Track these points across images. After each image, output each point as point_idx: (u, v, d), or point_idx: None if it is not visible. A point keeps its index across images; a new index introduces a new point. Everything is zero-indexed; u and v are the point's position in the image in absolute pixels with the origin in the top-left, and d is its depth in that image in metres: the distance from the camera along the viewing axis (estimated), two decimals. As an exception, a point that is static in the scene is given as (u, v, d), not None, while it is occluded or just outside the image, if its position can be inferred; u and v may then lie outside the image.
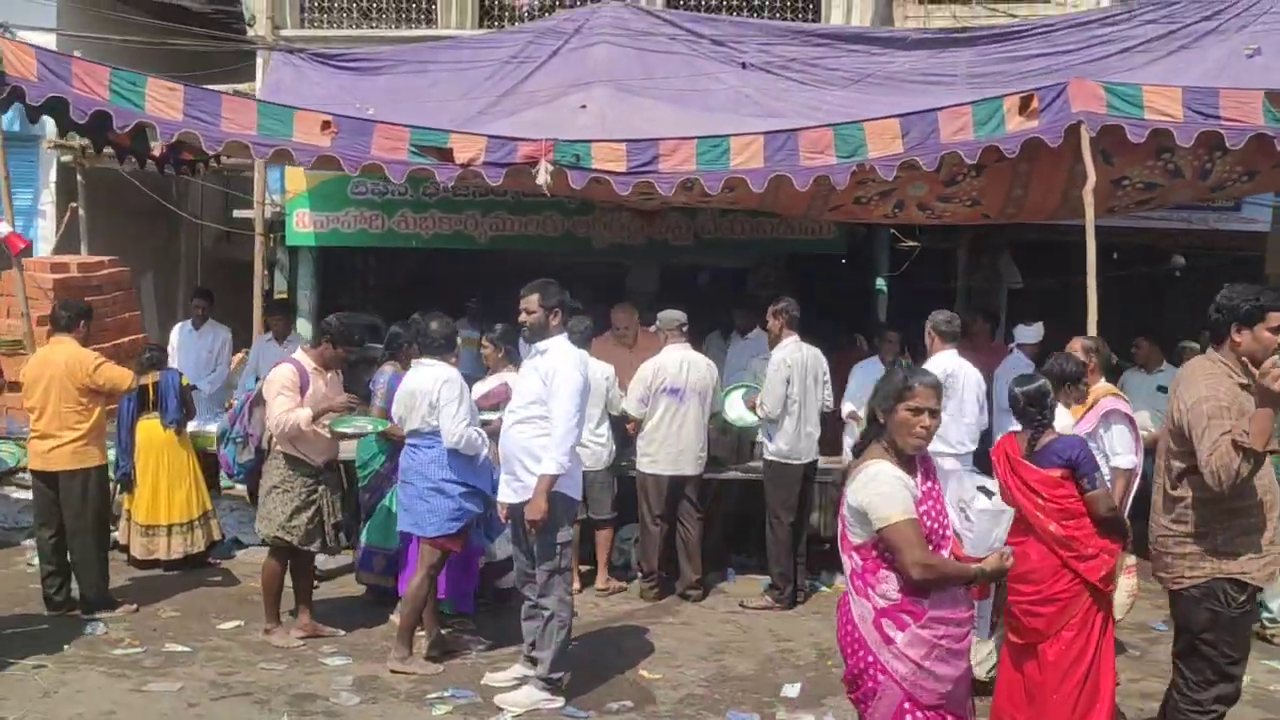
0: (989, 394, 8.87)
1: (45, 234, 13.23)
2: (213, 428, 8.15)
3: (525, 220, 11.17)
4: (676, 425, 7.29)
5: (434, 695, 5.62)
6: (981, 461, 8.40)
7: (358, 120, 7.55)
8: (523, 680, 5.78)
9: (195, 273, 15.28)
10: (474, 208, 11.14)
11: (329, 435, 6.41)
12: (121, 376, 6.90)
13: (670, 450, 7.28)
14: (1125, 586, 5.37)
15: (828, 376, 7.49)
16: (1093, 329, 7.36)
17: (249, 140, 7.36)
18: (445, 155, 7.49)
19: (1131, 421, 6.09)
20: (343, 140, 7.43)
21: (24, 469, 10.04)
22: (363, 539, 7.07)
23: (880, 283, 11.73)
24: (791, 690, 5.81)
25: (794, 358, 7.25)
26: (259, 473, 6.46)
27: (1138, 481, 6.09)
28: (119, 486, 7.70)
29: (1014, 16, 11.52)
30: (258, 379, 8.90)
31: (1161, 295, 11.84)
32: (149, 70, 9.22)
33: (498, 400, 7.01)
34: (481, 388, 7.19)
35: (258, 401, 6.49)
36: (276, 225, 11.48)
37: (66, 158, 12.84)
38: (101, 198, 12.98)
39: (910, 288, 11.58)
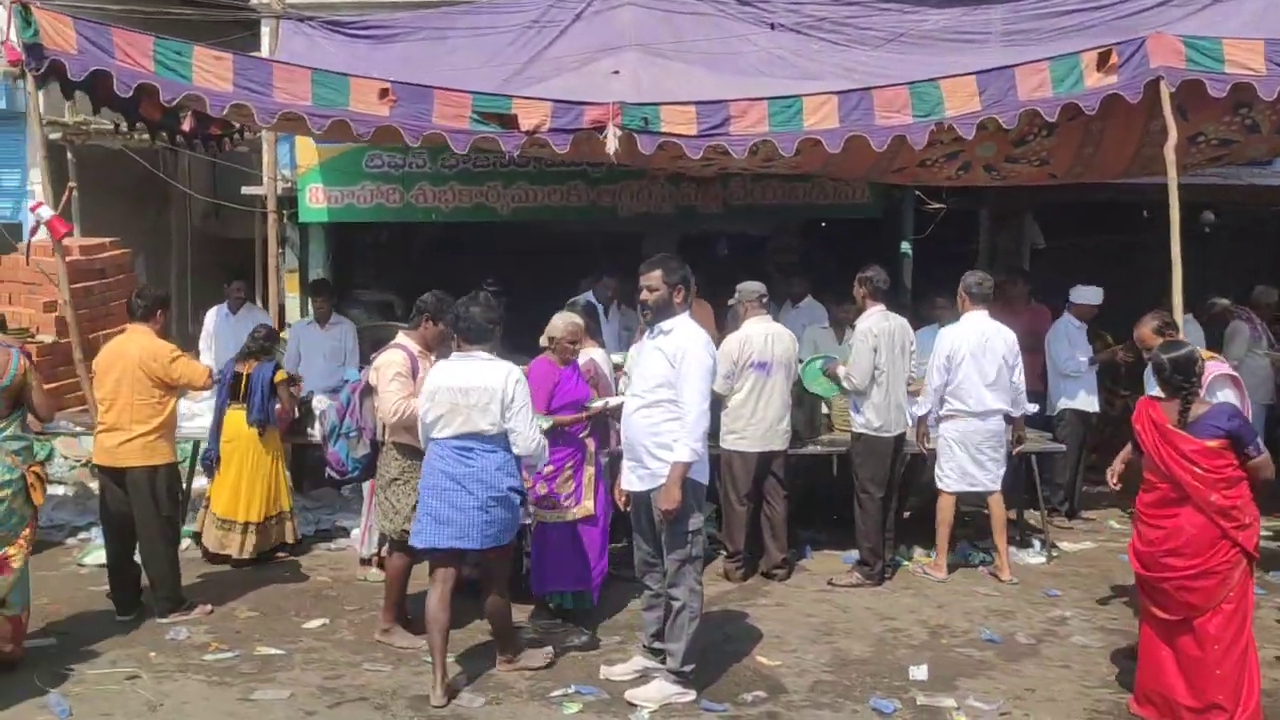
0: (1044, 357, 8.81)
1: (35, 216, 12.66)
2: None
3: (549, 191, 10.87)
4: (764, 401, 7.03)
5: (559, 693, 5.34)
6: (1038, 423, 8.31)
7: (416, 87, 7.16)
8: (643, 673, 5.53)
9: (185, 252, 14.76)
10: (495, 179, 10.81)
11: None
12: (197, 373, 6.52)
13: (759, 427, 7.01)
14: None
15: (915, 346, 7.27)
16: (1178, 294, 7.23)
17: (304, 111, 6.96)
18: (509, 122, 7.15)
19: (1238, 383, 5.94)
20: (402, 109, 7.06)
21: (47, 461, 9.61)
22: None
23: (905, 246, 11.56)
24: (919, 672, 5.61)
25: (880, 327, 7.02)
26: (373, 468, 6.12)
27: None
28: (203, 470, 7.32)
29: (1043, -30, 11.31)
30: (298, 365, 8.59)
31: (1192, 252, 11.74)
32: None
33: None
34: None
35: (366, 392, 6.14)
36: (286, 202, 11.06)
37: (55, 135, 12.26)
38: (90, 177, 12.43)
39: (933, 250, 11.45)
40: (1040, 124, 7.55)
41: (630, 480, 5.41)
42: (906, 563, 7.49)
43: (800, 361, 7.58)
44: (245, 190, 11.75)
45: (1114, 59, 7.19)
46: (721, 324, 8.99)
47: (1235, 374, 6.01)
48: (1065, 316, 8.78)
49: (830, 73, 8.94)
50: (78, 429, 8.21)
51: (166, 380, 6.33)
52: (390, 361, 6.02)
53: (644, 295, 5.42)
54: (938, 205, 11.21)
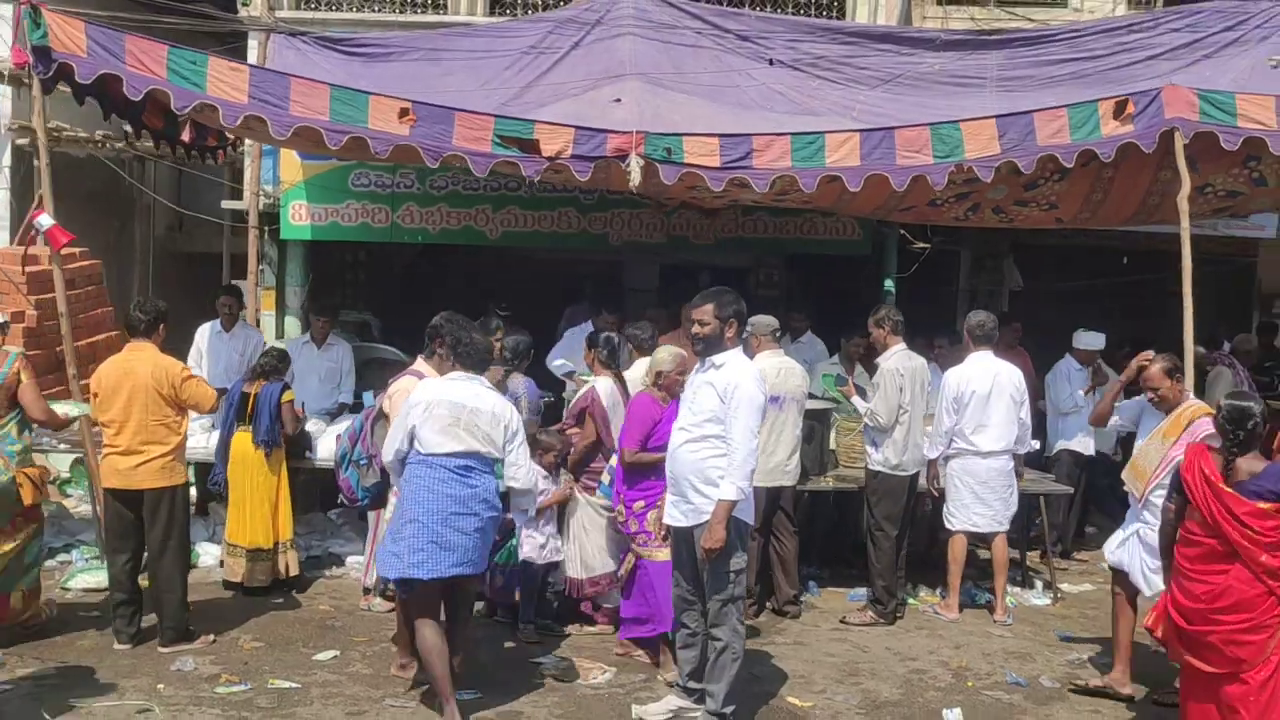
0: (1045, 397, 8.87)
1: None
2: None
3: (539, 216, 10.73)
4: (775, 435, 6.95)
5: (595, 732, 5.20)
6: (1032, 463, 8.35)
7: (438, 108, 7.03)
8: (676, 713, 5.41)
9: (148, 264, 14.38)
10: (485, 202, 10.65)
11: None
12: (206, 395, 6.26)
13: (770, 461, 6.92)
14: None
15: (932, 385, 7.27)
16: (1189, 339, 7.29)
17: (321, 126, 6.78)
18: (530, 147, 7.04)
19: None
20: (422, 129, 6.92)
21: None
22: (499, 561, 6.58)
23: (889, 283, 11.61)
24: (953, 716, 5.56)
25: (905, 366, 7.01)
26: (383, 497, 5.93)
27: None
28: (211, 494, 7.06)
29: (1031, 20, 11.52)
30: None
31: (1168, 300, 11.94)
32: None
33: (582, 407, 6.62)
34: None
35: (379, 418, 5.95)
36: (267, 218, 10.82)
37: (22, 140, 11.91)
38: (55, 184, 12.07)
39: (914, 289, 11.52)
40: (1053, 169, 7.60)
41: (673, 515, 5.31)
42: (912, 601, 7.44)
43: (811, 395, 7.56)
44: (225, 204, 11.48)
45: (1130, 108, 7.29)
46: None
47: None
48: (1066, 359, 8.87)
49: (829, 110, 8.99)
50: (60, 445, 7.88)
51: (176, 399, 6.10)
52: (403, 388, 5.87)
53: (695, 329, 5.35)
54: (922, 244, 11.30)
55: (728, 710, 5.19)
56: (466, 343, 5.49)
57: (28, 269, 10.39)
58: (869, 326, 7.52)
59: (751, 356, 7.31)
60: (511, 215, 10.68)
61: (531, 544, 6.41)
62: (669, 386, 5.98)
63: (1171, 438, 5.77)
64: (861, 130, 7.34)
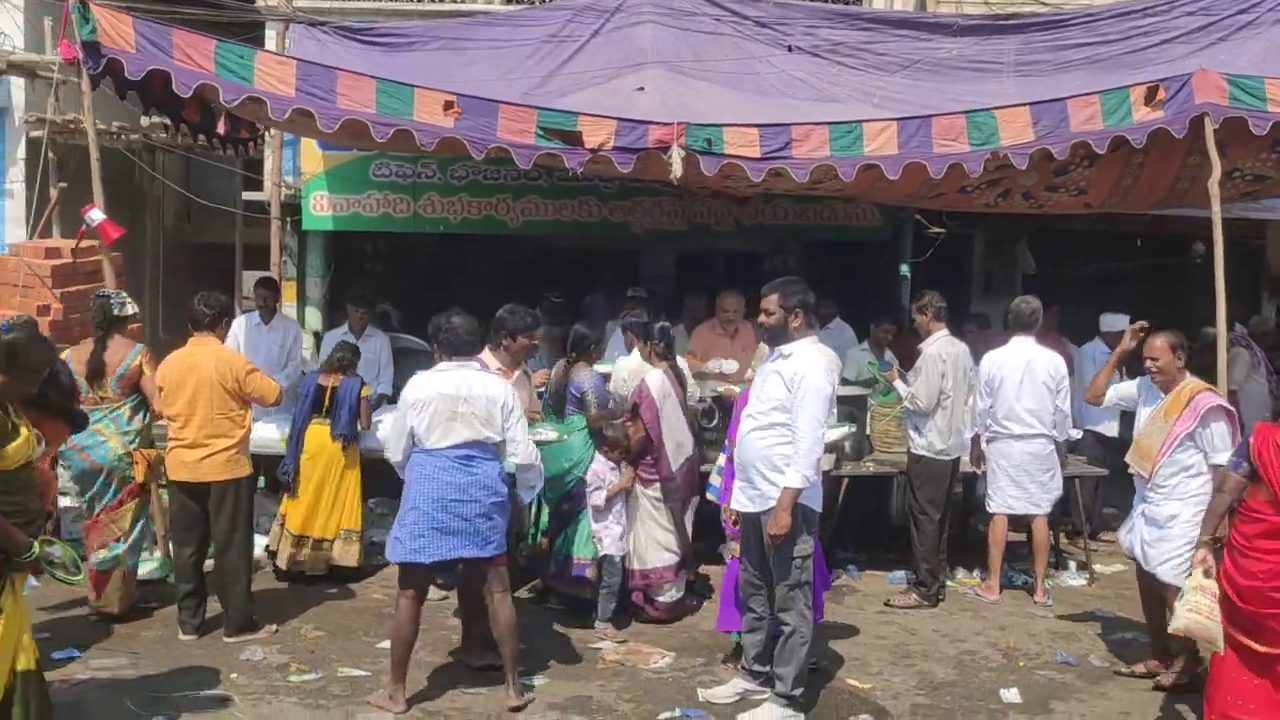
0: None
1: (14, 214, 12.25)
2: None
3: (560, 205, 10.80)
4: None
5: (665, 716, 5.30)
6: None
7: (482, 100, 7.07)
8: (742, 695, 5.51)
9: (159, 255, 14.36)
10: (506, 192, 10.70)
11: None
12: (270, 388, 6.34)
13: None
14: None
15: (975, 371, 7.38)
16: (1222, 322, 7.41)
17: (368, 119, 6.82)
18: (573, 139, 7.09)
19: (1232, 417, 5.86)
20: (467, 121, 6.96)
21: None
22: (559, 548, 6.69)
23: (904, 269, 11.73)
24: (1011, 695, 5.68)
25: (948, 352, 7.12)
26: None
27: None
28: (283, 489, 7.12)
29: (1045, 4, 11.61)
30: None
31: (1185, 282, 12.07)
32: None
33: (635, 401, 6.67)
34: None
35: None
36: (287, 208, 10.85)
37: (37, 133, 11.87)
38: (69, 176, 12.06)
39: (929, 273, 11.64)
40: (1084, 155, 7.69)
41: (740, 501, 5.40)
42: (951, 583, 7.55)
43: (844, 381, 7.65)
44: (246, 195, 11.48)
45: (1162, 94, 7.37)
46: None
47: (1230, 407, 5.92)
48: (1095, 342, 8.99)
49: (850, 96, 9.05)
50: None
51: (240, 393, 6.16)
52: None
53: (761, 318, 5.44)
54: (937, 229, 11.41)
55: (797, 692, 5.28)
56: (446, 329, 5.51)
57: (51, 262, 10.39)
58: (912, 313, 7.63)
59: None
60: (532, 204, 10.74)
61: (610, 537, 6.48)
62: None
63: (1173, 415, 5.81)
64: (899, 119, 7.40)
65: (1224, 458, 5.61)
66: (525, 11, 10.65)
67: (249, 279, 14.18)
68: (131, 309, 6.67)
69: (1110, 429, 8.90)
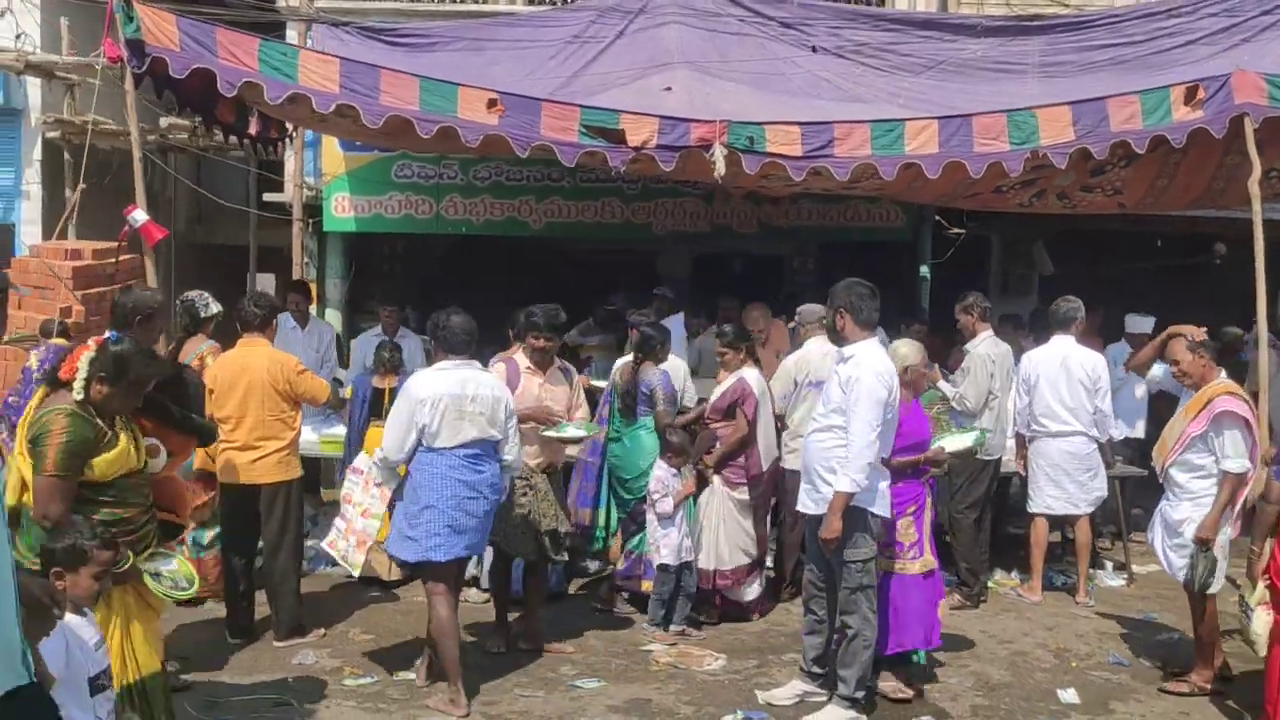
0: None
1: (30, 215, 12.16)
2: (338, 429, 7.57)
3: (583, 206, 10.76)
4: None
5: (728, 719, 5.25)
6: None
7: (524, 99, 7.06)
8: (802, 697, 5.48)
9: (170, 257, 14.26)
10: (528, 193, 10.67)
11: (540, 438, 6.02)
12: (321, 388, 6.31)
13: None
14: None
15: (1017, 372, 7.37)
16: (1263, 322, 7.41)
17: (413, 115, 6.77)
18: (616, 137, 7.06)
19: (1248, 424, 5.76)
20: (510, 119, 6.94)
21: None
22: (633, 548, 6.73)
23: (924, 269, 11.72)
24: (1069, 696, 5.66)
25: (995, 352, 7.12)
26: None
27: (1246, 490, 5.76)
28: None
29: (1066, 5, 11.63)
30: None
31: (1207, 282, 12.07)
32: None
33: (732, 400, 6.64)
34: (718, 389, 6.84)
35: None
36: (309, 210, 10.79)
37: (53, 134, 11.81)
38: (87, 180, 11.97)
39: (947, 274, 11.64)
40: (1121, 154, 7.68)
41: (805, 503, 5.38)
42: (990, 584, 7.52)
43: None
44: (268, 197, 11.41)
45: (1201, 94, 7.36)
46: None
47: (1247, 415, 5.77)
48: (1120, 343, 8.97)
49: (876, 97, 9.02)
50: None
51: (291, 394, 6.11)
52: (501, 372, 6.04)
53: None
54: (957, 230, 11.42)
55: (859, 694, 5.25)
56: (444, 327, 5.55)
57: (73, 263, 10.31)
58: (956, 313, 7.60)
59: (800, 345, 7.40)
60: (555, 205, 10.71)
61: (670, 546, 6.40)
62: (915, 382, 5.77)
63: (1191, 414, 5.81)
64: (940, 117, 7.39)
65: (1234, 464, 5.62)
66: (548, 12, 10.63)
67: (263, 281, 14.14)
68: (215, 308, 6.71)
69: (1138, 429, 8.88)
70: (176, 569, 4.20)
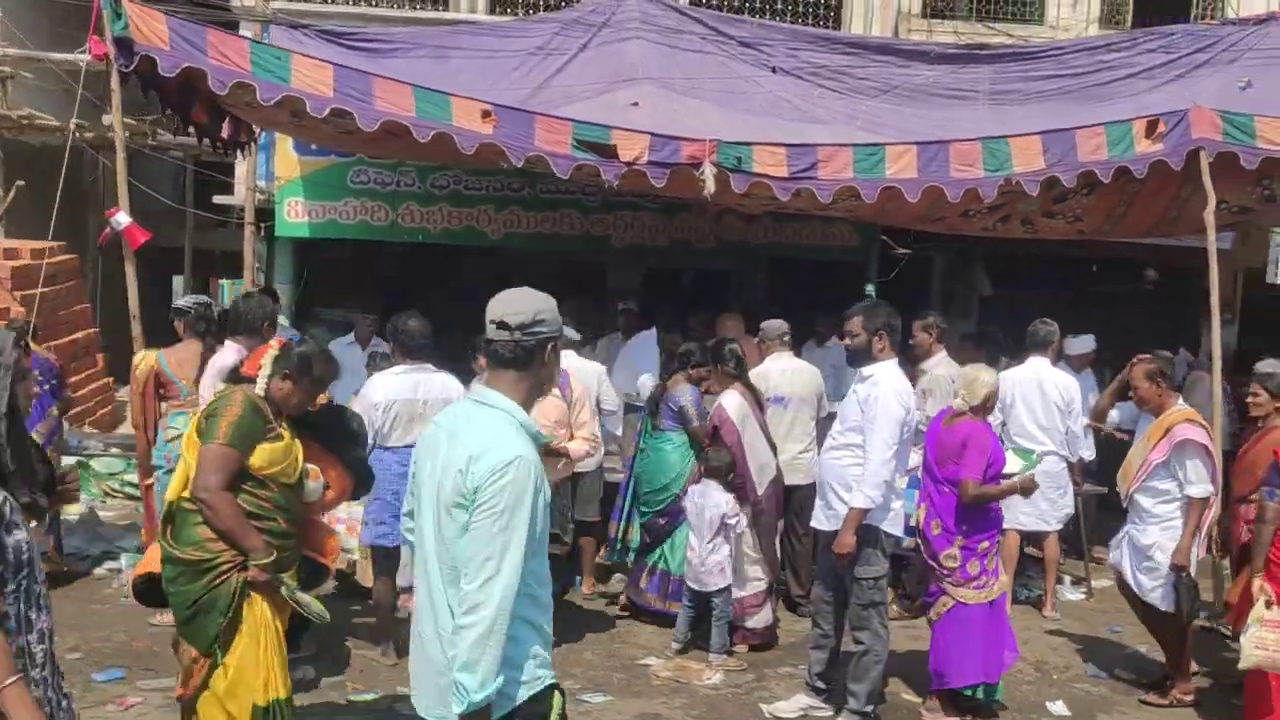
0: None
1: (-44, 215, 11.65)
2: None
3: (541, 217, 10.77)
4: (783, 433, 7.05)
5: (738, 732, 5.32)
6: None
7: (518, 111, 7.07)
8: (805, 711, 5.56)
9: (97, 257, 13.86)
10: (487, 203, 10.64)
11: None
12: None
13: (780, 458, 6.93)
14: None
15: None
16: (1216, 348, 7.73)
17: (409, 121, 6.73)
18: (608, 152, 7.09)
19: (1208, 452, 5.94)
20: (505, 130, 6.93)
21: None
22: (654, 562, 6.74)
23: (870, 288, 11.95)
24: (1058, 708, 5.85)
25: (954, 374, 7.27)
26: None
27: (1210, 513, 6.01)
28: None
29: (1010, 36, 12.00)
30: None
31: (1136, 306, 12.52)
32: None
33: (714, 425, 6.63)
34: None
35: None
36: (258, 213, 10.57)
37: (-12, 129, 11.41)
38: (16, 176, 11.59)
39: (889, 293, 11.88)
40: (1084, 183, 7.96)
41: (819, 519, 5.47)
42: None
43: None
44: (218, 199, 11.17)
45: (1161, 128, 7.67)
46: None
47: (1205, 441, 5.97)
48: (1063, 365, 9.22)
49: (835, 118, 9.21)
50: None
51: None
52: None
53: (846, 341, 5.51)
54: (903, 250, 11.69)
55: (869, 709, 5.35)
56: (403, 331, 5.91)
57: (11, 263, 9.98)
58: (915, 331, 7.76)
59: (760, 361, 7.51)
60: (514, 216, 10.69)
61: (730, 568, 6.32)
62: (987, 409, 5.80)
63: (1153, 441, 6.03)
64: (918, 143, 7.57)
65: (1197, 490, 5.83)
66: (512, 23, 10.65)
67: (183, 284, 13.80)
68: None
69: (1089, 449, 9.17)
70: (312, 604, 4.27)
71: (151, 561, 4.26)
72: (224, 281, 12.76)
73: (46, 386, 6.82)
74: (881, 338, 5.40)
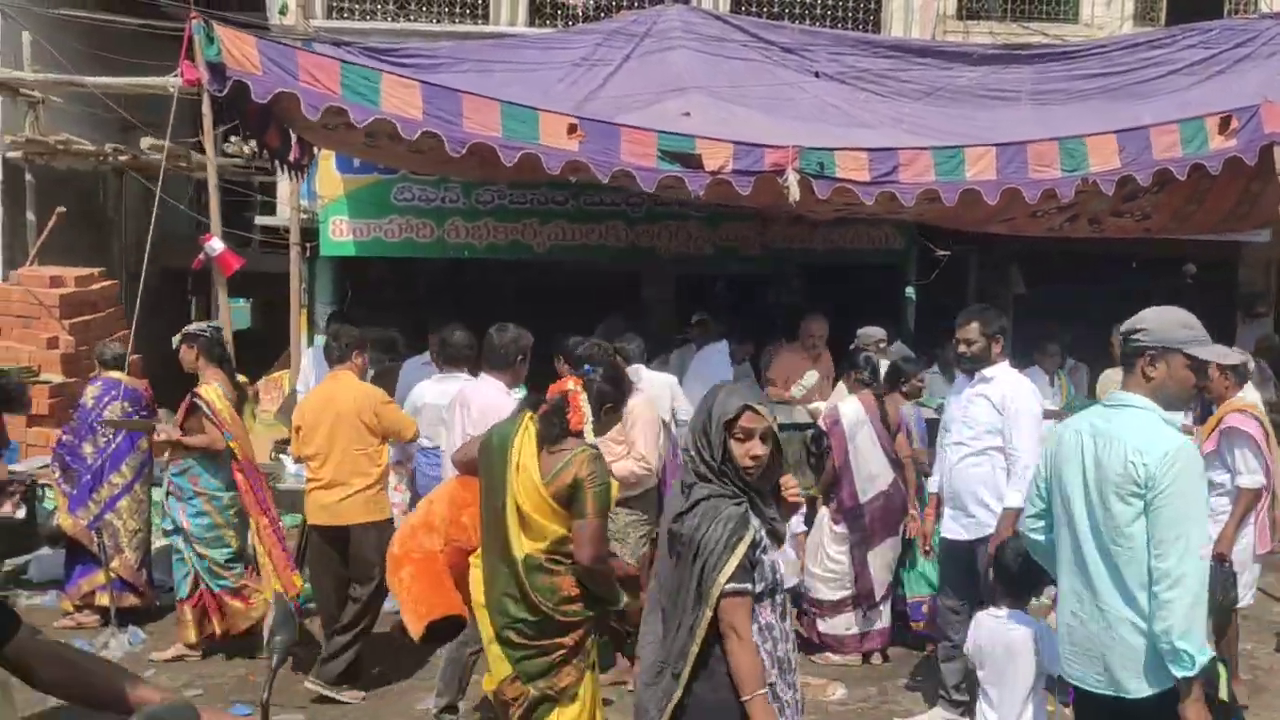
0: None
1: (-14, 242, 11.50)
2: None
3: (587, 229, 10.69)
4: None
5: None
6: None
7: (603, 124, 7.00)
8: (944, 725, 5.52)
9: (122, 279, 13.68)
10: (532, 216, 10.56)
11: None
12: (406, 422, 6.03)
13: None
14: None
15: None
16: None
17: (495, 143, 6.64)
18: (693, 162, 7.03)
19: (1254, 441, 5.90)
20: (590, 145, 6.85)
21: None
22: None
23: (910, 290, 11.95)
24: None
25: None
26: None
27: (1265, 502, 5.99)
28: None
29: (1045, 35, 12.01)
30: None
31: (1176, 302, 12.50)
32: (161, 55, 8.13)
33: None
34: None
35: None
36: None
37: (14, 154, 11.24)
38: (46, 199, 11.41)
39: (925, 294, 11.90)
40: (1156, 180, 7.95)
41: (952, 529, 5.41)
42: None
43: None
44: (260, 221, 11.04)
45: (1234, 124, 7.67)
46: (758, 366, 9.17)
47: (1253, 431, 5.89)
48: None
49: (881, 122, 9.18)
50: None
51: (376, 429, 5.87)
52: None
53: (961, 347, 5.47)
54: (943, 251, 11.66)
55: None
56: (445, 342, 6.38)
57: (58, 291, 9.82)
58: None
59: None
60: (559, 229, 10.61)
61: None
62: None
63: (1206, 434, 6.01)
64: (997, 144, 7.55)
65: (1247, 480, 5.81)
66: (553, 35, 10.57)
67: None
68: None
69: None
70: None
71: (440, 606, 4.18)
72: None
73: (136, 417, 6.68)
74: (998, 341, 5.42)
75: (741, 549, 3.04)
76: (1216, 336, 9.65)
